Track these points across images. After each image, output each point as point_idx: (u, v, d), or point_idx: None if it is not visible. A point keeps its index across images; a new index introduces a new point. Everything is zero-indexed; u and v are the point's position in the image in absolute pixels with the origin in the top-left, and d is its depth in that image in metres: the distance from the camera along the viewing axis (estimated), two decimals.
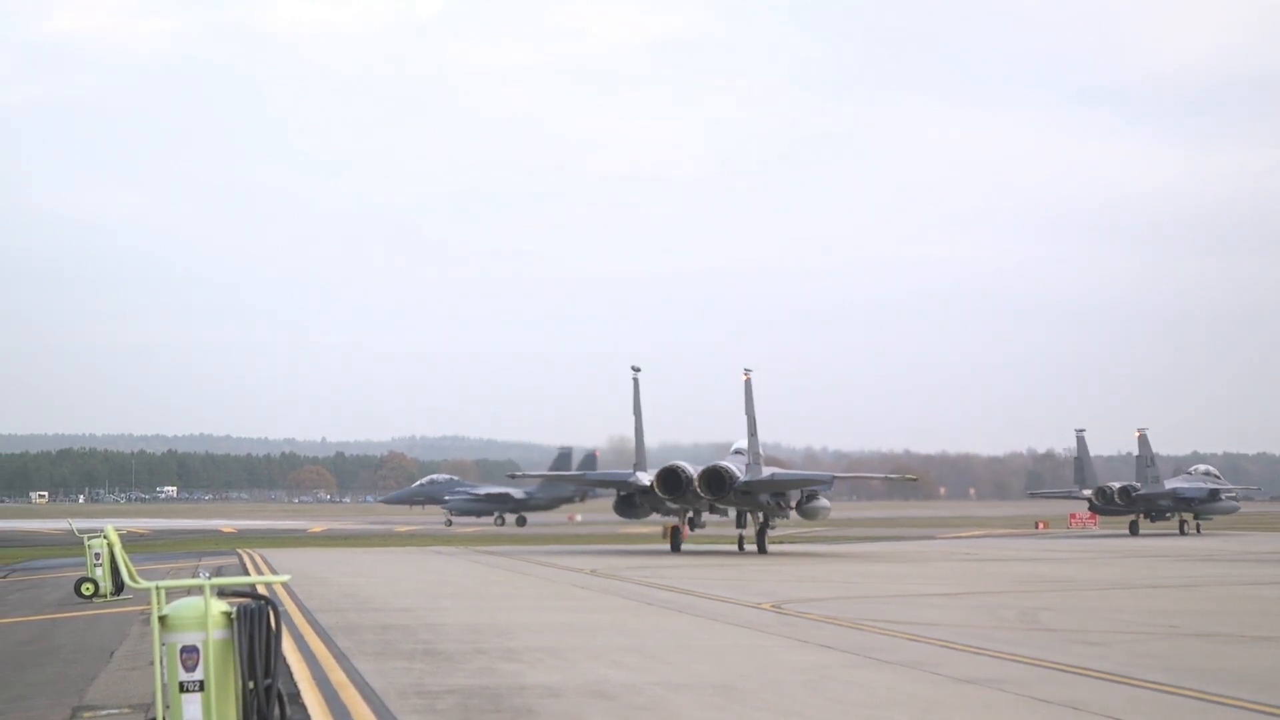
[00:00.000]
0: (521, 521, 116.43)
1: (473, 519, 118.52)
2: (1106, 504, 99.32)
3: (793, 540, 78.76)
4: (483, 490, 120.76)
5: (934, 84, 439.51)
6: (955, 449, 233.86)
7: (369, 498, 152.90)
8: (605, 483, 73.44)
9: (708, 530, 72.80)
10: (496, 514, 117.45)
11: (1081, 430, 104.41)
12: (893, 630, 27.95)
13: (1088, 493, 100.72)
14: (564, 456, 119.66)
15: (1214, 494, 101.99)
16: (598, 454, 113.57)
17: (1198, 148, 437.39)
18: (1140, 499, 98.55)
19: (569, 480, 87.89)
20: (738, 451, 68.19)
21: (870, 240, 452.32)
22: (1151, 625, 29.83)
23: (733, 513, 68.97)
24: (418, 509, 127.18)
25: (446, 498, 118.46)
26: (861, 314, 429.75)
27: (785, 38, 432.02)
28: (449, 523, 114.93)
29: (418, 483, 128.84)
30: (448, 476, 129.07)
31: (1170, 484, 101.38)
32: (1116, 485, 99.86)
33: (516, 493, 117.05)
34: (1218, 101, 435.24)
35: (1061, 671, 21.78)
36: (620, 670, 22.13)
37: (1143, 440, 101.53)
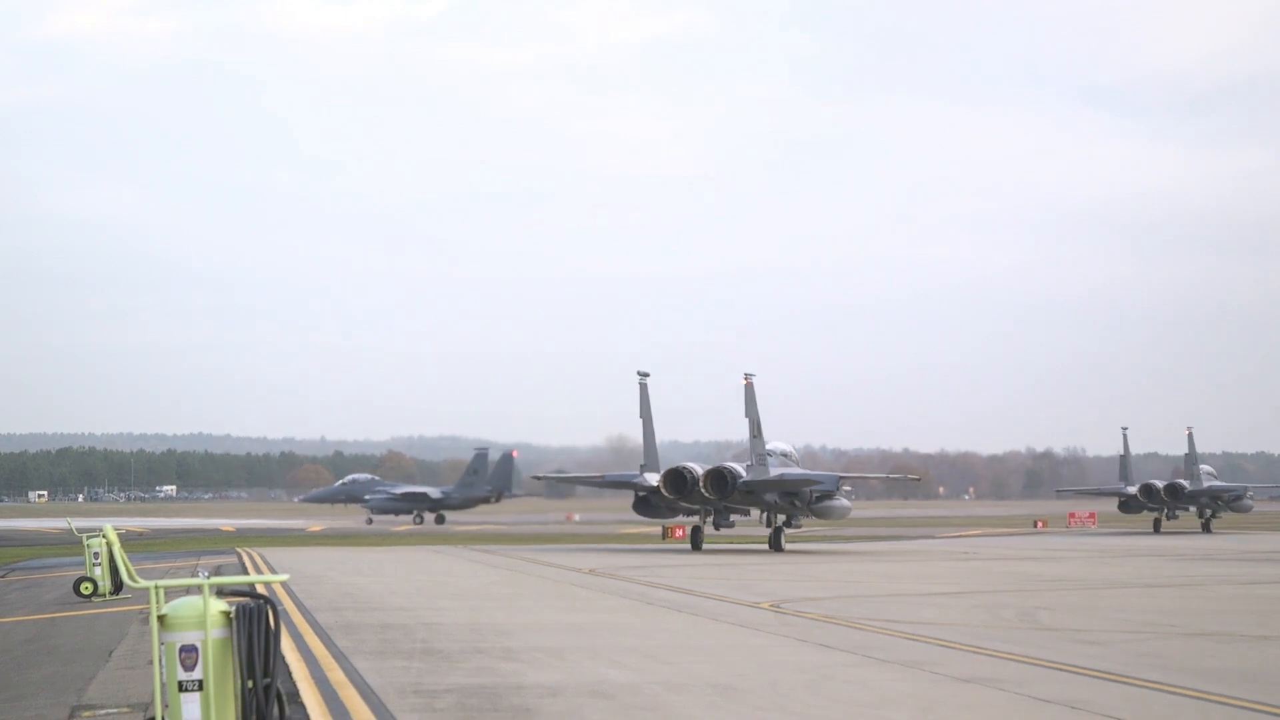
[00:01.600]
0: (440, 520, 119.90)
1: (392, 517, 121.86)
2: (1150, 500, 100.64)
3: (792, 539, 78.77)
4: (400, 490, 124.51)
5: (934, 84, 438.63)
6: (954, 448, 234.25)
7: (298, 496, 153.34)
8: (616, 484, 74.18)
9: (736, 530, 73.35)
10: (415, 512, 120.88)
11: (1126, 429, 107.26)
12: (892, 629, 27.96)
13: (1132, 489, 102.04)
14: (481, 456, 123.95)
15: (1243, 492, 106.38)
16: (515, 454, 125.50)
17: (1198, 148, 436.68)
18: (1187, 496, 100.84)
19: (587, 483, 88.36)
20: (767, 453, 69.04)
21: (870, 240, 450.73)
22: (1151, 624, 29.81)
23: (754, 512, 69.54)
24: (340, 507, 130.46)
25: (366, 496, 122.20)
26: (861, 314, 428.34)
27: (784, 37, 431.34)
28: (370, 521, 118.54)
29: (339, 482, 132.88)
30: (368, 476, 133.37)
31: (1205, 483, 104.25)
32: (1161, 483, 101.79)
33: (434, 492, 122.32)
34: (1217, 101, 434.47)
35: (1060, 671, 21.78)
36: (619, 670, 22.13)
37: (1190, 439, 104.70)
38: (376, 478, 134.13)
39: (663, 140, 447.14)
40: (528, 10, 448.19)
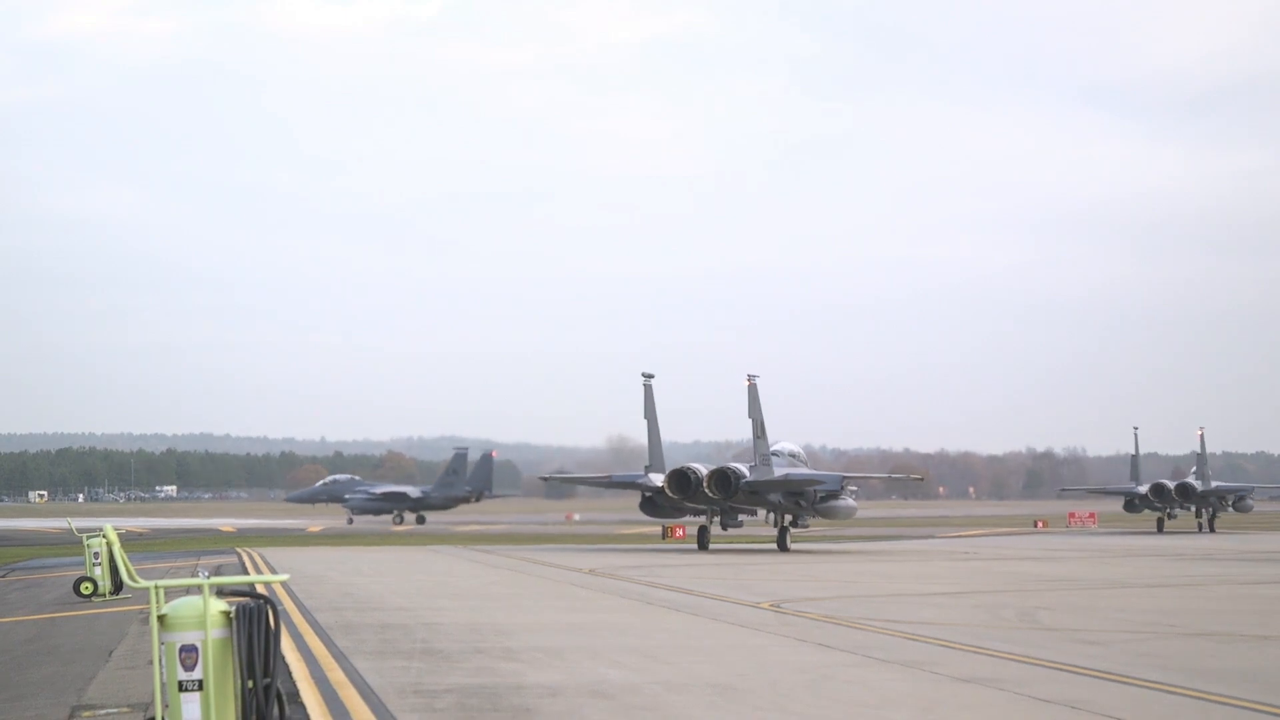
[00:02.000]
0: (421, 520, 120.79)
1: (372, 517, 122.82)
2: (1159, 500, 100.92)
3: (798, 539, 78.72)
4: (380, 490, 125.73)
5: (934, 84, 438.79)
6: (955, 448, 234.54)
7: (285, 497, 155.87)
8: (622, 484, 74.39)
9: (745, 530, 73.38)
10: (395, 512, 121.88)
11: (1137, 428, 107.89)
12: (892, 629, 27.95)
13: (1143, 489, 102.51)
14: (460, 456, 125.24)
15: (1248, 492, 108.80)
16: (495, 454, 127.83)
17: (1198, 148, 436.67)
18: (1198, 496, 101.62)
19: (593, 483, 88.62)
20: (775, 453, 69.40)
21: (870, 240, 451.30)
22: (1151, 624, 29.81)
23: (762, 513, 69.73)
24: (321, 506, 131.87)
25: (347, 496, 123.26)
26: (861, 314, 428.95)
27: (784, 38, 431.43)
28: (350, 520, 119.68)
29: (320, 482, 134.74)
30: (349, 476, 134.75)
31: (1212, 482, 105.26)
32: (1173, 483, 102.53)
33: (413, 492, 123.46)
34: (1217, 101, 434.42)
35: (1060, 671, 21.77)
36: (619, 670, 22.13)
37: (1201, 439, 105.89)
38: (357, 478, 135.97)
39: (663, 140, 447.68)
40: (528, 10, 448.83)
